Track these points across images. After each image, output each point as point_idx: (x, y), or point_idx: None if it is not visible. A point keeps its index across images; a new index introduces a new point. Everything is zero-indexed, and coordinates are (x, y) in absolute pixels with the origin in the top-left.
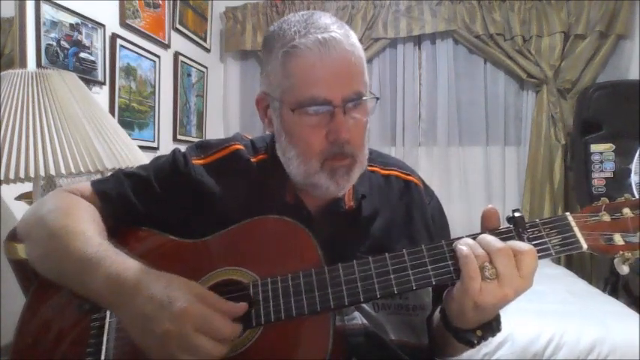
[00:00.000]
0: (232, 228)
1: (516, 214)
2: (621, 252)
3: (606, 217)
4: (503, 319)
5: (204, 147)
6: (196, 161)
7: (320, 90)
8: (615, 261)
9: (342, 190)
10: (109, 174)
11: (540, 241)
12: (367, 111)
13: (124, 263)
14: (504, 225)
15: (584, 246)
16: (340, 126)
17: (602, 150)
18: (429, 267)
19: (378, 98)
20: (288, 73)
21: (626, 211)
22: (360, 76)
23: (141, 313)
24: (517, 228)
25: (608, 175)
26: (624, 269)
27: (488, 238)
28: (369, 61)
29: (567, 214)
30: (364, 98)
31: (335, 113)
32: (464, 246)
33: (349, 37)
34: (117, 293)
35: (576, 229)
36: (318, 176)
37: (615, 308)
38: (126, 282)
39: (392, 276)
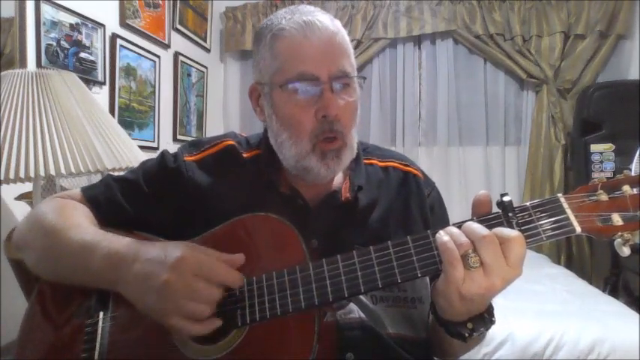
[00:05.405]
0: (218, 228)
1: (505, 199)
2: (620, 233)
3: (604, 197)
4: (502, 319)
5: (196, 144)
6: (188, 158)
7: (307, 66)
8: (615, 243)
9: (332, 174)
10: (98, 180)
11: (530, 226)
12: (356, 93)
13: (120, 241)
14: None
15: (578, 229)
16: (329, 102)
17: (602, 150)
18: (415, 258)
19: (364, 78)
20: (276, 54)
21: (626, 188)
22: (345, 56)
23: (140, 275)
24: (506, 213)
25: (608, 175)
26: (625, 251)
27: (474, 226)
28: (370, 61)
29: (559, 195)
30: (351, 76)
31: (323, 90)
32: (444, 235)
33: (333, 21)
34: (116, 268)
35: (569, 211)
36: (309, 159)
37: (615, 308)
38: (124, 256)
39: (376, 269)
